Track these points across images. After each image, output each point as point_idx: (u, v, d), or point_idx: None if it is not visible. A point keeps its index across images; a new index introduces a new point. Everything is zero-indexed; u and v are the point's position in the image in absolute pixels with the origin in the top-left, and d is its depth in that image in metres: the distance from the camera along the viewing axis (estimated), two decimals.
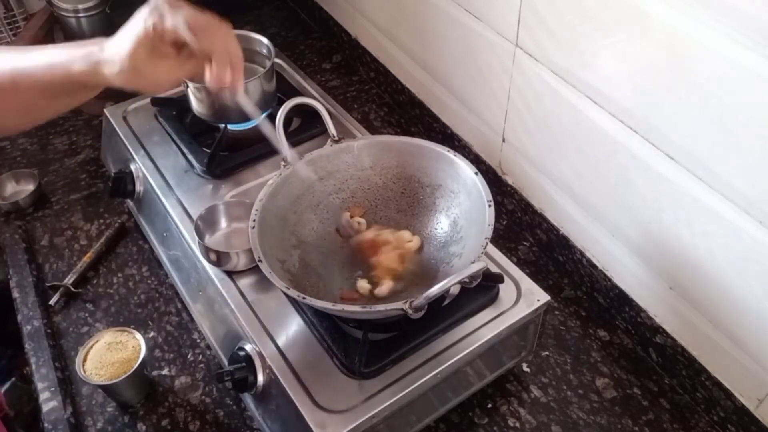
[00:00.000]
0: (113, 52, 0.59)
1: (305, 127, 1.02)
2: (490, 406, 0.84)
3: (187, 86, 0.97)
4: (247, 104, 0.72)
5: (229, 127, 1.01)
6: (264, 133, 0.78)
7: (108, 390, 0.82)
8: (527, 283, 0.81)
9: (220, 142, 0.97)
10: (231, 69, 0.62)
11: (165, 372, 0.88)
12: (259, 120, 0.77)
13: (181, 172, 0.97)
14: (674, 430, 0.82)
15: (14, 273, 0.99)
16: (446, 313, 0.76)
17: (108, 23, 1.31)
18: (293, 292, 0.66)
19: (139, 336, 0.83)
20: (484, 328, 0.76)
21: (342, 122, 1.04)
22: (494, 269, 0.82)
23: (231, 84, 0.63)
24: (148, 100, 1.08)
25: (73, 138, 1.22)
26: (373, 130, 1.23)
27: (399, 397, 0.70)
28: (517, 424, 0.82)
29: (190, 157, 0.97)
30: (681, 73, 0.68)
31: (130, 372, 0.79)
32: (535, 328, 0.82)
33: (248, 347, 0.76)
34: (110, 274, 1.01)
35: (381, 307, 0.64)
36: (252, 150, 0.99)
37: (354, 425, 0.67)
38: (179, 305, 0.96)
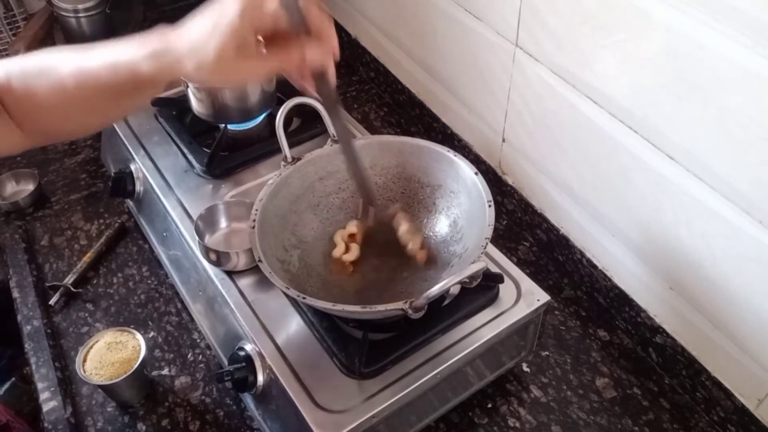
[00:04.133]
0: (191, 46, 0.52)
1: (305, 127, 1.02)
2: (490, 406, 0.84)
3: (187, 86, 0.97)
4: (334, 107, 0.66)
5: (229, 127, 1.01)
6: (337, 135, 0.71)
7: (108, 390, 0.82)
8: (527, 283, 0.81)
9: (220, 142, 0.97)
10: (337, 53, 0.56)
11: (165, 372, 0.88)
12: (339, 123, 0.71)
13: (181, 172, 0.97)
14: (674, 430, 0.82)
15: (14, 273, 0.99)
16: (446, 313, 0.76)
17: (108, 23, 1.31)
18: (293, 292, 0.66)
19: (139, 336, 0.83)
20: (484, 328, 0.76)
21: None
22: (494, 269, 0.82)
23: (328, 76, 0.56)
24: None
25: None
26: (373, 130, 1.23)
27: (399, 397, 0.70)
28: (517, 424, 0.82)
29: (190, 157, 0.97)
30: (681, 73, 0.68)
31: (130, 372, 0.79)
32: (535, 328, 0.82)
33: (248, 347, 0.76)
34: (110, 274, 1.01)
35: (381, 307, 0.64)
36: (252, 150, 0.99)
37: (354, 425, 0.67)
38: (179, 305, 0.96)
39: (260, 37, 0.54)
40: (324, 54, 0.55)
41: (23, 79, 0.59)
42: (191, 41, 0.52)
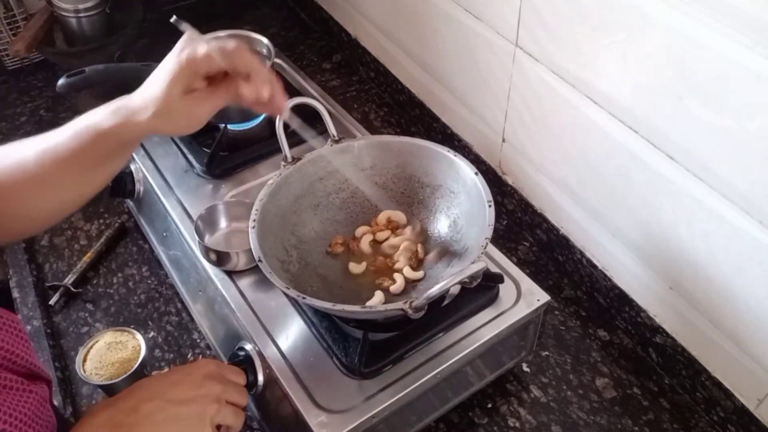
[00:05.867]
0: (144, 97, 0.59)
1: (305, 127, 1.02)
2: (490, 406, 0.84)
3: None
4: (296, 122, 0.72)
5: (229, 127, 1.01)
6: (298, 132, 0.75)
7: (108, 390, 0.82)
8: (527, 283, 0.81)
9: (220, 142, 0.97)
10: (270, 86, 0.62)
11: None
12: (309, 136, 0.75)
13: (181, 172, 0.97)
14: (674, 430, 0.82)
15: (14, 273, 0.99)
16: (446, 313, 0.76)
17: (108, 23, 1.31)
18: (293, 292, 0.66)
19: (139, 336, 0.83)
20: (484, 328, 0.76)
21: (342, 122, 1.04)
22: (494, 269, 0.82)
23: (272, 100, 0.63)
24: None
25: None
26: (373, 130, 1.23)
27: (399, 397, 0.70)
28: (517, 424, 0.82)
29: (190, 157, 0.98)
30: (681, 73, 0.68)
31: (130, 372, 0.79)
32: (535, 328, 0.82)
33: (248, 347, 0.76)
34: (110, 274, 1.01)
35: (381, 307, 0.64)
36: (252, 150, 0.99)
37: (354, 425, 0.67)
38: (179, 305, 0.96)
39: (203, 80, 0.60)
40: (252, 91, 0.61)
41: None
42: (144, 94, 0.59)
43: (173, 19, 0.64)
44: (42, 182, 0.61)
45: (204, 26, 0.67)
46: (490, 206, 0.72)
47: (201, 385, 0.64)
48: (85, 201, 0.68)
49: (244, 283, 0.81)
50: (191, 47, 0.58)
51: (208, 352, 0.90)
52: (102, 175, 0.65)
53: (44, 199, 0.63)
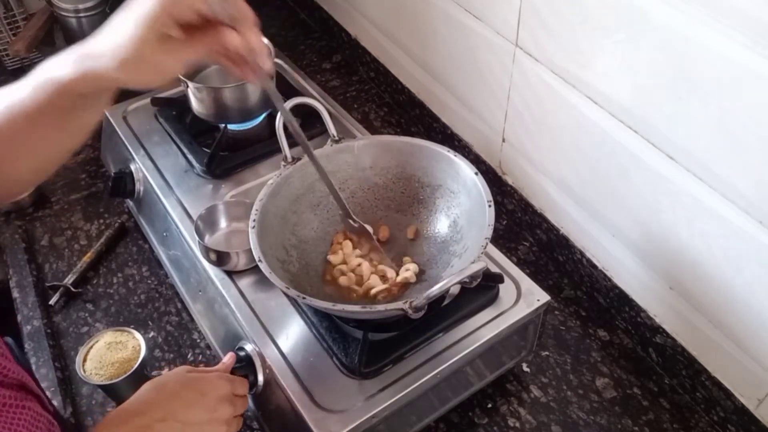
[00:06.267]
0: (113, 47, 0.51)
1: (305, 127, 1.02)
2: (490, 406, 0.84)
3: (187, 86, 0.97)
4: (273, 90, 0.64)
5: (229, 127, 1.01)
6: (285, 120, 0.70)
7: (108, 390, 0.82)
8: (527, 283, 0.81)
9: (220, 142, 0.97)
10: (260, 37, 0.55)
11: (165, 372, 0.88)
12: (282, 106, 0.69)
13: (181, 172, 0.97)
14: (674, 430, 0.82)
15: (14, 273, 0.99)
16: (446, 313, 0.76)
17: None
18: (293, 292, 0.66)
19: (139, 336, 0.83)
20: (484, 328, 0.76)
21: (342, 122, 1.04)
22: (494, 269, 0.82)
23: (259, 60, 0.55)
24: (148, 100, 1.08)
25: None
26: (373, 130, 1.23)
27: (399, 397, 0.70)
28: (517, 424, 0.82)
29: (190, 157, 0.98)
30: (681, 73, 0.68)
31: (130, 372, 0.79)
32: (535, 328, 0.82)
33: (248, 347, 0.76)
34: (110, 274, 1.01)
35: (381, 307, 0.64)
36: (252, 150, 0.99)
37: (354, 425, 0.67)
38: (179, 305, 0.96)
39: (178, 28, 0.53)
40: (243, 42, 0.53)
41: None
42: (112, 41, 0.52)
43: None
44: (17, 140, 0.56)
45: None
46: (490, 206, 0.72)
47: (215, 409, 0.64)
48: (68, 154, 0.62)
49: (244, 283, 0.81)
50: None
51: (208, 352, 0.90)
52: (78, 128, 0.59)
53: (24, 156, 0.58)
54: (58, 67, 0.54)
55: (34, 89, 0.54)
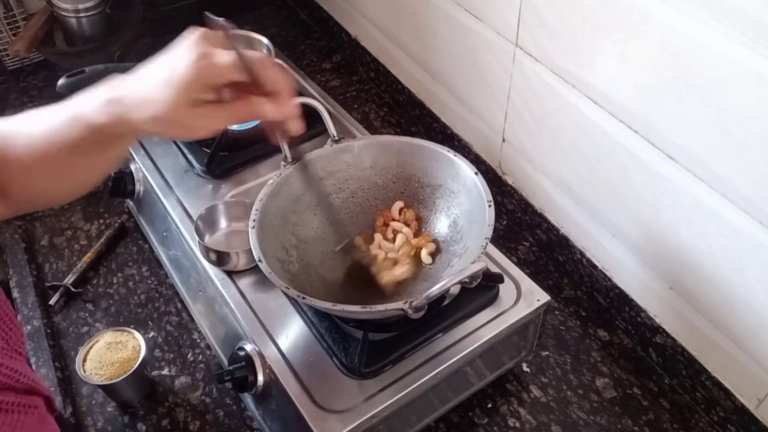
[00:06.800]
0: (143, 97, 0.51)
1: (305, 127, 1.02)
2: (490, 406, 0.84)
3: None
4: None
5: (229, 127, 1.01)
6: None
7: (108, 390, 0.82)
8: (527, 283, 0.81)
9: (220, 142, 0.97)
10: (297, 107, 0.55)
11: (165, 372, 0.88)
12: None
13: (181, 172, 0.97)
14: (674, 430, 0.82)
15: (14, 273, 0.99)
16: (446, 313, 0.76)
17: (108, 23, 1.31)
18: (293, 292, 0.66)
19: (139, 336, 0.83)
20: (484, 328, 0.76)
21: (342, 122, 1.04)
22: (494, 269, 0.82)
23: (290, 125, 0.56)
24: None
25: None
26: (373, 130, 1.23)
27: (399, 397, 0.70)
28: (517, 424, 0.82)
29: (190, 157, 0.97)
30: (681, 73, 0.68)
31: (130, 372, 0.79)
32: (535, 328, 0.82)
33: (248, 347, 0.76)
34: (110, 274, 1.01)
35: (381, 307, 0.64)
36: (252, 150, 0.99)
37: (354, 425, 0.67)
38: (179, 305, 0.96)
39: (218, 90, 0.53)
40: (278, 112, 0.54)
41: (1, 141, 0.56)
42: (145, 93, 0.51)
43: (207, 14, 0.55)
44: (53, 168, 0.57)
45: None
46: (490, 206, 0.72)
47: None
48: (88, 189, 0.62)
49: (244, 283, 0.81)
50: (209, 53, 0.50)
51: (208, 352, 0.90)
52: (100, 165, 0.59)
53: (59, 184, 0.59)
54: (90, 107, 0.53)
55: (64, 123, 0.54)
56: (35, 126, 0.56)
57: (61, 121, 0.54)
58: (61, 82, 0.96)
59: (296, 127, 0.57)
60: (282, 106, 0.54)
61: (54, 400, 0.59)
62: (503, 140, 1.02)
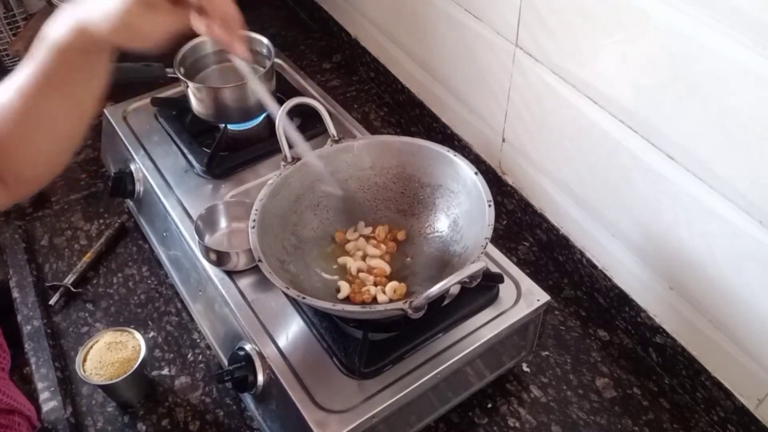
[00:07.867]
0: (102, 9, 0.55)
1: (305, 127, 1.02)
2: (490, 406, 0.84)
3: (187, 86, 0.98)
4: (244, 67, 0.69)
5: (229, 127, 1.01)
6: (258, 95, 0.74)
7: (108, 390, 0.82)
8: (527, 283, 0.81)
9: (220, 142, 0.97)
10: (227, 24, 0.61)
11: (165, 372, 0.88)
12: (257, 87, 0.75)
13: (181, 172, 0.97)
14: (674, 430, 0.82)
15: (14, 273, 0.99)
16: (446, 313, 0.76)
17: None
18: (293, 292, 0.66)
19: (139, 336, 0.83)
20: (484, 328, 0.76)
21: (342, 122, 1.04)
22: (494, 269, 0.82)
23: (228, 39, 0.62)
24: (148, 100, 1.08)
25: None
26: (373, 130, 1.23)
27: (399, 397, 0.70)
28: (517, 424, 0.82)
29: (190, 157, 0.98)
30: (681, 73, 0.68)
31: (130, 372, 0.79)
32: (535, 328, 0.82)
33: (248, 347, 0.76)
34: (110, 274, 1.01)
35: (381, 307, 0.64)
36: (252, 150, 0.99)
37: (354, 425, 0.67)
38: (179, 305, 0.96)
39: None
40: (219, 6, 0.59)
41: None
42: (102, 6, 0.55)
43: None
44: (31, 116, 0.59)
45: None
46: (490, 206, 0.72)
47: None
48: (79, 136, 0.64)
49: (244, 283, 0.81)
50: None
51: (208, 352, 0.90)
52: (85, 95, 0.61)
53: (40, 133, 0.61)
54: (56, 32, 0.56)
55: (38, 61, 0.57)
56: (8, 91, 0.59)
57: (39, 58, 0.57)
58: None
59: (241, 51, 0.65)
60: (209, 21, 0.59)
61: (34, 418, 0.59)
62: (503, 140, 1.02)
